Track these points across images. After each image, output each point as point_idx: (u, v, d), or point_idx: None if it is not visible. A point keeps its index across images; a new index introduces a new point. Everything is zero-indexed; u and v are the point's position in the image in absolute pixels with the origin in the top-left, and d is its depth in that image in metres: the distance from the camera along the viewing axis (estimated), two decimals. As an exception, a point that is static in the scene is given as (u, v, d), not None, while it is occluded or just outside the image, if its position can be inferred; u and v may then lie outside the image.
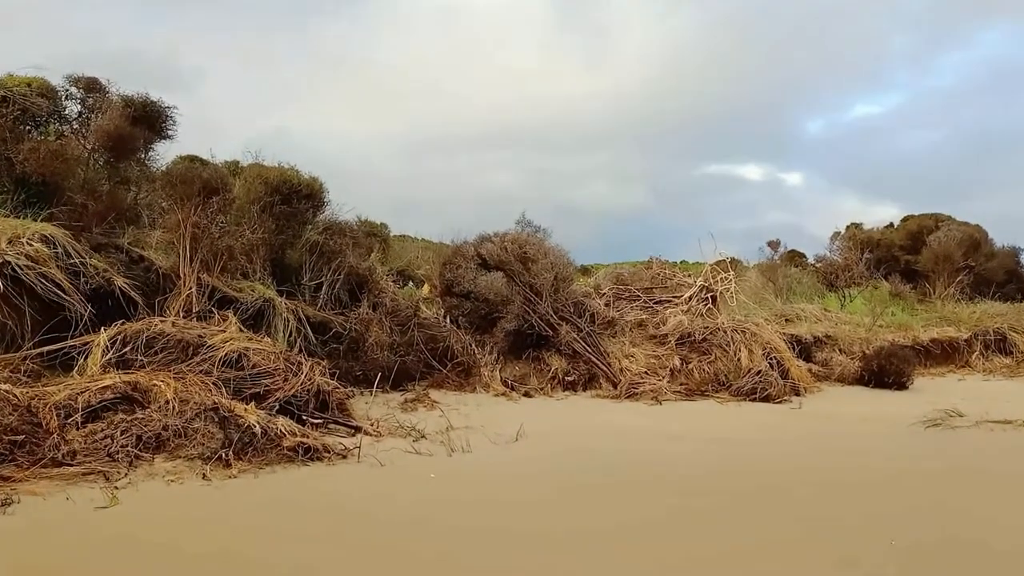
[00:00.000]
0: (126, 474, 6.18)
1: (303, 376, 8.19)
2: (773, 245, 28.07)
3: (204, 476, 6.26)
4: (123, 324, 8.43)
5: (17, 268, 8.38)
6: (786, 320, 16.86)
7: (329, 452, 7.08)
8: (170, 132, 12.03)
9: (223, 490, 6.05)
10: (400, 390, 11.14)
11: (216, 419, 6.95)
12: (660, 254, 17.16)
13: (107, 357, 7.88)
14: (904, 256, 24.10)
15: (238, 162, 13.83)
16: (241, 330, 9.23)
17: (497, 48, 67.79)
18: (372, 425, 8.38)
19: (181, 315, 9.39)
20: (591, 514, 5.73)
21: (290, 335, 10.63)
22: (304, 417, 7.85)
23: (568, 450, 7.96)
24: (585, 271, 23.63)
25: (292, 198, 11.97)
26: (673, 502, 6.02)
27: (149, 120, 11.66)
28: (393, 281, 13.95)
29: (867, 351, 14.55)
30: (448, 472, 6.93)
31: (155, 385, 7.33)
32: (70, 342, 8.25)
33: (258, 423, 6.97)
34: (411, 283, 17.55)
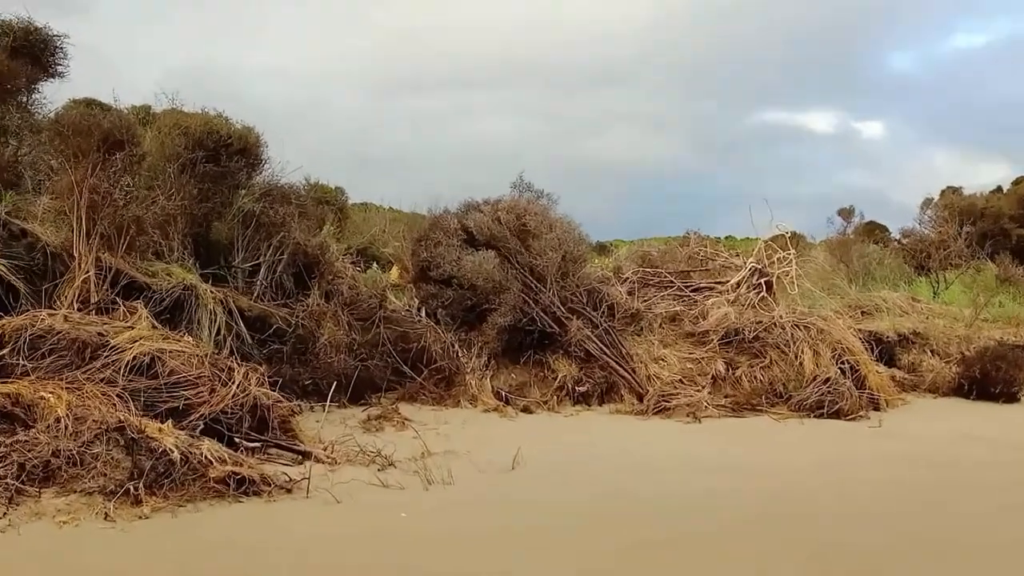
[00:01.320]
0: (4, 513, 6.17)
1: (235, 386, 8.16)
2: (845, 215, 28.16)
3: (106, 516, 6.25)
4: (0, 319, 8.38)
5: None
6: (862, 313, 16.88)
7: (269, 485, 7.07)
8: (60, 68, 11.98)
9: (131, 534, 6.04)
10: (362, 404, 11.11)
11: (122, 442, 6.93)
12: (699, 228, 17.21)
13: (-21, 361, 7.85)
14: (1016, 230, 24.14)
15: (149, 107, 13.80)
16: (154, 326, 9.19)
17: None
18: (325, 450, 8.36)
19: (76, 307, 9.34)
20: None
21: (218, 333, 10.60)
22: (237, 439, 7.82)
23: (578, 482, 7.97)
24: (602, 250, 23.62)
25: (220, 154, 11.93)
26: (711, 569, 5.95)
27: (32, 52, 11.58)
28: (352, 263, 13.91)
29: (967, 352, 14.57)
30: (424, 511, 6.92)
31: (42, 398, 7.29)
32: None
33: (177, 447, 6.95)
34: (375, 265, 17.54)
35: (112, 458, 6.79)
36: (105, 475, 6.65)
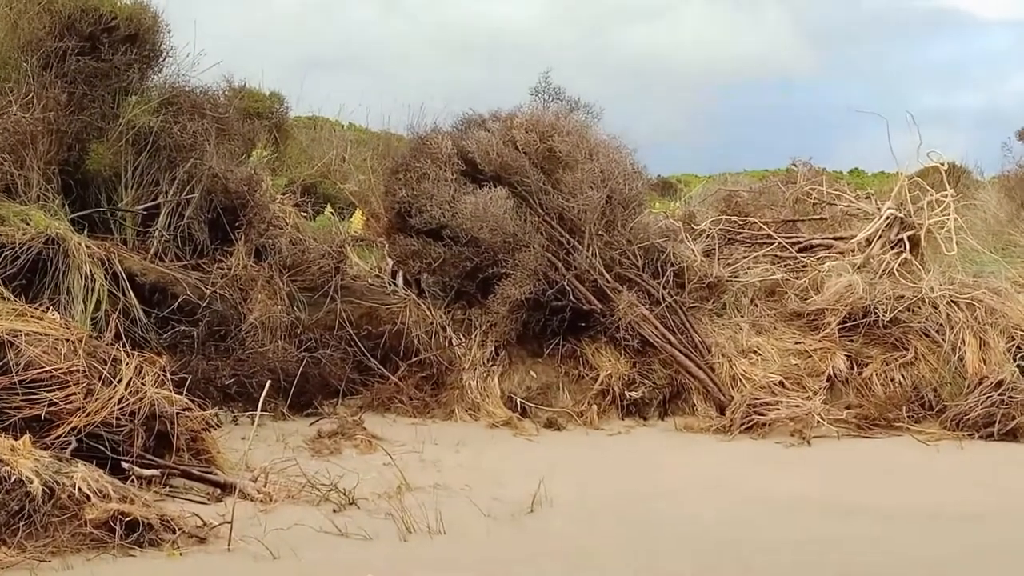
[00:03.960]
0: None
1: (123, 386, 8.18)
2: (1029, 139, 27.94)
3: (-66, 575, 6.28)
4: None
5: None
6: (1054, 284, 16.80)
7: (173, 531, 7.07)
8: None
9: (-29, 602, 6.08)
10: (309, 415, 11.16)
11: (-43, 467, 6.96)
12: (811, 157, 17.05)
13: None
14: None
15: (-5, -27, 13.73)
16: (3, 296, 9.21)
17: None
18: (256, 481, 8.38)
19: None
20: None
21: (97, 307, 10.63)
22: (125, 464, 7.84)
23: (629, 532, 7.97)
24: (667, 188, 23.60)
25: (100, 43, 11.89)
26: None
27: None
28: (296, 205, 13.90)
29: None
30: (402, 573, 6.93)
31: None
32: None
33: (37, 475, 6.97)
34: (329, 209, 17.51)
35: (-58, 491, 6.82)
36: (-68, 515, 6.68)
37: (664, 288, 12.84)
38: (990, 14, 67.57)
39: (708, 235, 14.74)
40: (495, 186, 12.97)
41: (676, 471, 10.16)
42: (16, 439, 7.35)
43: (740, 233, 15.05)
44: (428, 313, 12.43)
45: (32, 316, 8.80)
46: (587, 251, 12.67)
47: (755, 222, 15.15)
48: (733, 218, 15.27)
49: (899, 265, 14.05)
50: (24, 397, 7.89)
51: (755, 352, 12.63)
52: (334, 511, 7.93)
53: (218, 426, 9.73)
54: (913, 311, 12.83)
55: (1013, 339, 12.55)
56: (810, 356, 12.59)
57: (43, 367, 8.10)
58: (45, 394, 7.94)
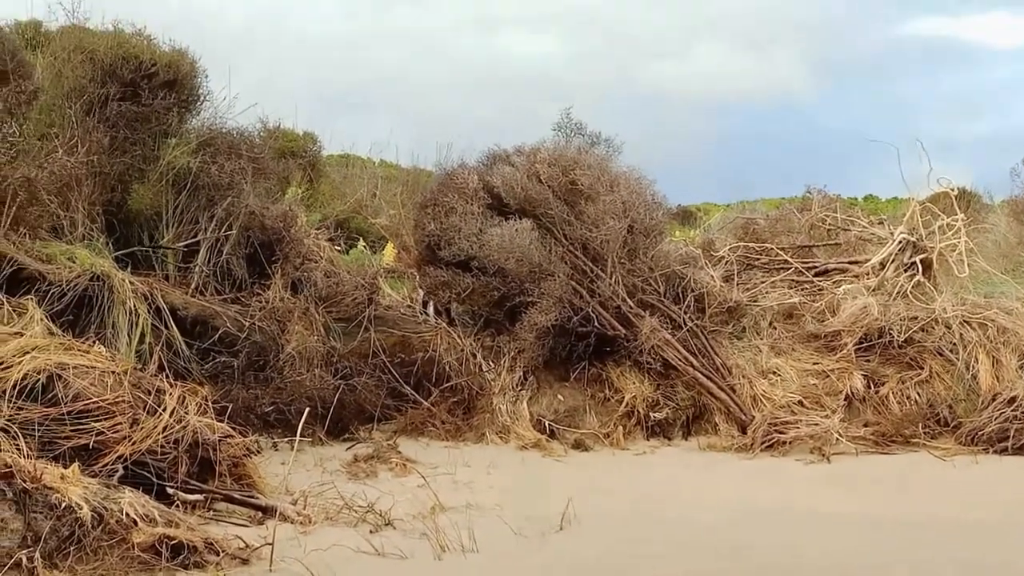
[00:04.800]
0: None
1: (167, 415, 8.21)
2: (1037, 164, 27.85)
3: (-10, 598, 6.31)
4: None
5: None
6: (1064, 303, 16.73)
7: (217, 553, 7.09)
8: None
9: (24, 623, 6.10)
10: (346, 440, 11.17)
11: (10, 495, 6.99)
12: (825, 184, 17.04)
13: None
14: None
15: (40, 24, 13.83)
16: (52, 332, 9.25)
17: None
18: (295, 504, 8.39)
19: (-59, 306, 9.43)
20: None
21: (142, 340, 10.67)
22: (170, 490, 7.86)
23: (655, 549, 7.94)
24: (687, 217, 23.58)
25: (141, 88, 11.99)
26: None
27: None
28: (330, 240, 13.97)
29: None
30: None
31: None
32: None
33: (87, 502, 6.99)
34: (362, 243, 17.58)
35: (-4, 517, 6.85)
36: (-13, 541, 6.71)
37: (685, 313, 12.84)
38: (997, 44, 67.24)
39: (727, 261, 14.74)
40: (520, 218, 12.99)
41: (700, 489, 10.14)
42: (65, 468, 7.39)
43: (758, 259, 15.05)
44: (459, 340, 12.46)
45: (79, 350, 8.83)
46: (610, 279, 12.68)
47: (772, 248, 15.15)
48: (751, 245, 15.26)
49: (912, 287, 14.03)
50: (72, 427, 7.92)
51: (774, 373, 12.62)
52: (371, 532, 7.93)
53: (258, 452, 9.75)
54: (927, 331, 12.81)
55: (1025, 357, 12.52)
56: (828, 376, 12.56)
57: (90, 398, 8.13)
58: (92, 424, 7.97)
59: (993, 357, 12.38)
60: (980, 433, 11.64)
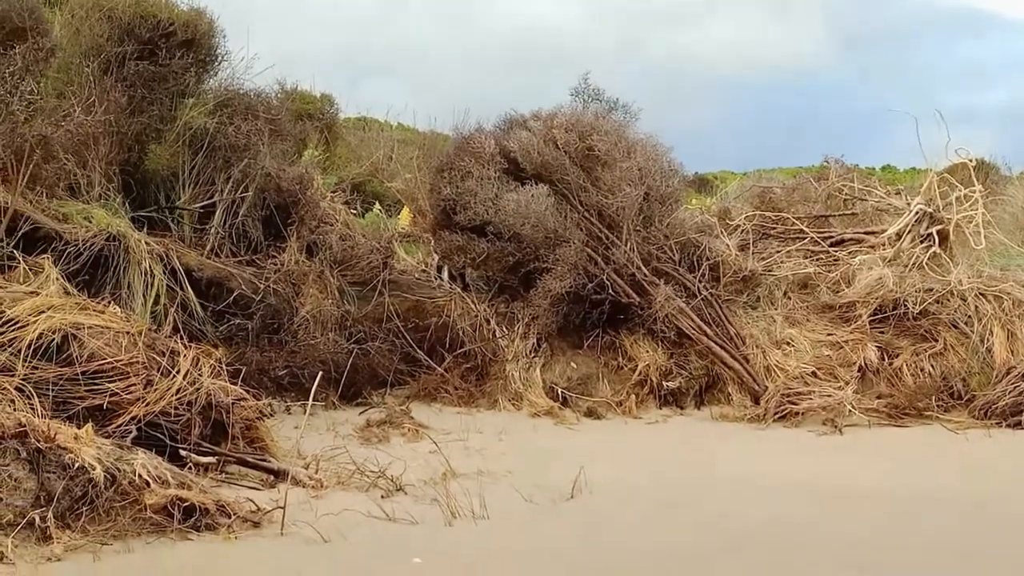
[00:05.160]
0: None
1: (181, 377, 8.21)
2: (1057, 136, 27.68)
3: (2, 557, 6.32)
4: None
5: None
6: (1080, 278, 16.66)
7: (229, 516, 7.09)
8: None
9: (37, 583, 6.12)
10: (358, 404, 11.20)
11: (23, 455, 6.99)
12: (842, 154, 16.96)
13: None
14: None
15: (59, -19, 13.81)
16: (67, 292, 9.25)
17: None
18: (307, 468, 8.41)
19: (-42, 264, 9.44)
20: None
21: (156, 301, 10.68)
22: (183, 452, 7.88)
23: (666, 517, 7.96)
24: (703, 185, 23.51)
25: (158, 47, 11.95)
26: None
27: None
28: (345, 203, 13.96)
29: None
30: (446, 555, 6.94)
31: (-88, 392, 7.37)
32: None
33: (100, 462, 7.00)
34: (378, 206, 17.55)
35: (9, 477, 6.86)
36: (0, 500, 6.73)
37: (700, 282, 12.82)
38: (1014, 14, 66.79)
39: (743, 230, 14.68)
40: (536, 184, 12.96)
41: (712, 459, 10.13)
42: (79, 428, 7.40)
43: (774, 228, 14.99)
44: (473, 306, 12.45)
45: (94, 310, 8.84)
46: (625, 246, 12.66)
47: (788, 217, 15.09)
48: (767, 214, 15.21)
49: (928, 259, 13.97)
50: (87, 387, 7.94)
51: (788, 343, 12.60)
52: (382, 497, 7.94)
53: (271, 415, 9.78)
54: (942, 303, 12.75)
55: (1040, 330, 12.47)
56: (842, 347, 12.53)
57: (105, 359, 8.15)
58: (107, 385, 7.98)
59: (1008, 330, 12.35)
60: (994, 406, 11.61)
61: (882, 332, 12.75)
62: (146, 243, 10.93)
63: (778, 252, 14.43)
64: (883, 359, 12.42)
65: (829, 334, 12.75)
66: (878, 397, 12.02)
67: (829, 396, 11.74)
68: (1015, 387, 11.65)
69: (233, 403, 8.51)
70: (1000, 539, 7.56)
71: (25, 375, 7.84)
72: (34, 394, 7.67)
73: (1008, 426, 11.41)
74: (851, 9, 68.58)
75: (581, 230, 12.77)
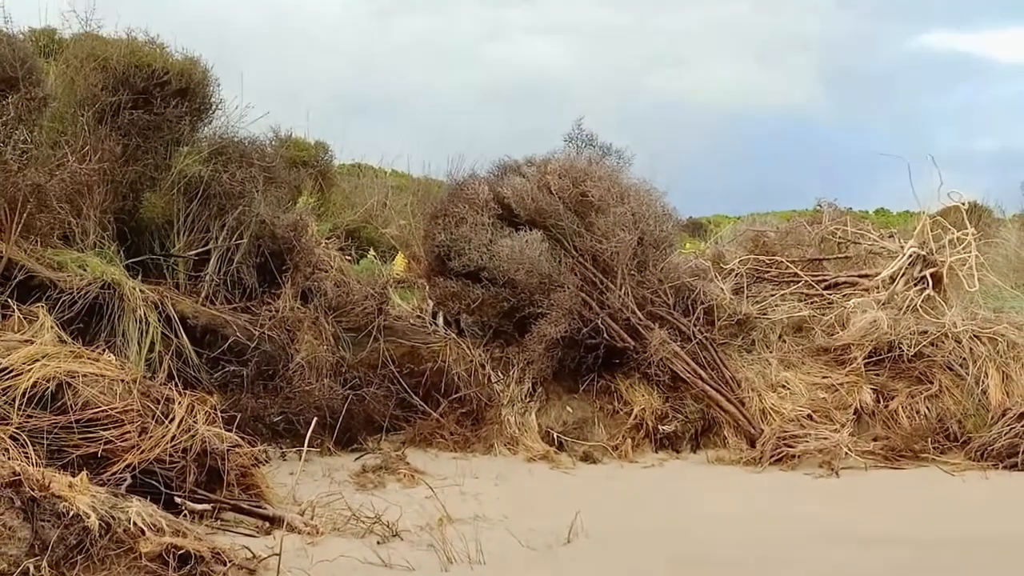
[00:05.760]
0: None
1: (175, 425, 8.20)
2: (1049, 178, 27.84)
3: (-4, 607, 6.30)
4: None
5: None
6: (1074, 319, 16.68)
7: (224, 563, 7.07)
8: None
9: (31, 632, 6.09)
10: (354, 450, 11.16)
11: (18, 503, 6.98)
12: (836, 198, 17.04)
13: None
14: None
15: (54, 32, 13.86)
16: (62, 339, 9.25)
17: None
18: (303, 514, 8.39)
19: (-48, 313, 9.43)
20: None
21: (151, 349, 10.67)
22: (178, 500, 7.86)
23: (664, 562, 7.94)
24: (697, 229, 23.57)
25: (153, 96, 11.99)
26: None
27: None
28: (340, 249, 13.98)
29: None
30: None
31: (-94, 441, 7.35)
32: None
33: (94, 511, 6.98)
34: (372, 253, 17.58)
35: (4, 526, 6.83)
36: (-6, 549, 6.70)
37: (695, 325, 12.83)
38: (1006, 59, 67.17)
39: (737, 274, 14.71)
40: (530, 229, 13.00)
41: (709, 502, 10.12)
42: (74, 476, 7.38)
43: (768, 272, 15.01)
44: (468, 351, 12.44)
45: (89, 358, 8.83)
46: (620, 290, 12.67)
47: (782, 261, 15.12)
48: (761, 257, 15.23)
49: (922, 301, 13.99)
50: (81, 436, 7.92)
51: (784, 386, 12.60)
52: (378, 543, 7.93)
53: (267, 462, 9.73)
54: (937, 345, 12.78)
55: (1036, 372, 12.47)
56: (837, 390, 12.54)
57: (99, 407, 8.14)
58: (101, 432, 7.96)
59: (1003, 372, 12.37)
60: (990, 448, 11.61)
61: (877, 374, 12.76)
62: (141, 291, 10.93)
63: (772, 295, 14.45)
64: (878, 401, 12.43)
65: (824, 377, 12.76)
66: (874, 439, 12.02)
67: (825, 439, 11.73)
68: (1011, 428, 11.64)
69: (228, 450, 8.49)
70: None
71: (19, 424, 7.81)
72: (28, 442, 7.64)
73: (1004, 467, 11.40)
74: (843, 54, 68.89)
75: (575, 275, 12.79)
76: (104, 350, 9.42)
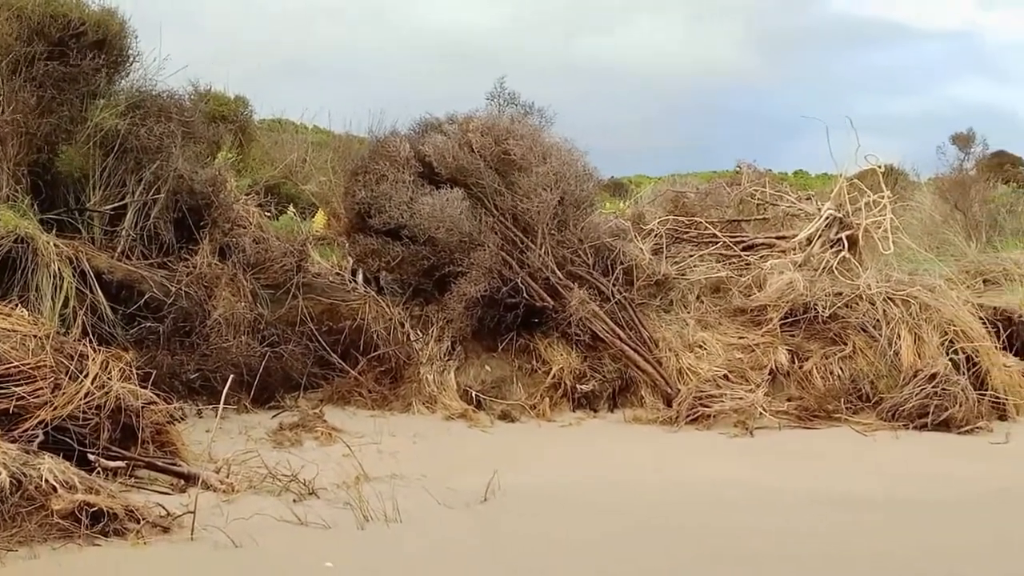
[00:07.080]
0: None
1: (89, 381, 8.13)
2: (963, 143, 28.21)
3: (-96, 565, 6.23)
4: None
5: None
6: (985, 282, 16.87)
7: (138, 521, 7.03)
8: None
9: (-61, 591, 6.03)
10: (271, 408, 11.14)
11: (-74, 460, 6.90)
12: (755, 159, 17.15)
13: None
14: None
15: (-35, -21, 13.61)
16: (-27, 294, 9.15)
17: None
18: (218, 472, 8.37)
19: None
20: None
21: (65, 304, 10.56)
22: (92, 457, 7.80)
23: (578, 519, 8.00)
24: (618, 189, 23.65)
25: (69, 48, 11.80)
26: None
27: None
28: (259, 205, 13.86)
29: None
30: (359, 559, 6.93)
31: None
32: None
33: (5, 467, 6.92)
34: (292, 209, 17.47)
35: (-88, 483, 6.76)
36: (-98, 507, 6.63)
37: (614, 285, 12.88)
38: (926, 25, 68.02)
39: (656, 234, 14.77)
40: (451, 188, 12.98)
41: (625, 460, 10.20)
42: (-15, 432, 7.31)
43: (687, 232, 15.09)
44: (387, 310, 12.42)
45: (1, 313, 8.73)
46: (540, 250, 12.69)
47: (701, 222, 15.20)
48: (680, 218, 15.30)
49: (838, 263, 14.13)
50: (-8, 392, 7.84)
51: (700, 347, 12.69)
52: (294, 501, 7.92)
53: (182, 419, 9.68)
54: (851, 307, 12.91)
55: (946, 334, 12.64)
56: (753, 350, 12.65)
57: (11, 362, 8.04)
58: (13, 388, 7.87)
59: (915, 334, 12.51)
60: (901, 409, 11.80)
61: (792, 335, 12.88)
62: (55, 245, 10.80)
63: (691, 256, 14.53)
64: (793, 362, 12.55)
65: (741, 337, 12.86)
66: (788, 400, 12.15)
67: (740, 399, 11.85)
68: (921, 390, 11.82)
69: (143, 407, 8.43)
70: (911, 542, 7.70)
71: (-71, 379, 7.73)
72: (-62, 398, 7.57)
73: (915, 428, 11.61)
74: (769, 17, 69.37)
75: (496, 234, 12.79)
76: (17, 305, 9.34)
